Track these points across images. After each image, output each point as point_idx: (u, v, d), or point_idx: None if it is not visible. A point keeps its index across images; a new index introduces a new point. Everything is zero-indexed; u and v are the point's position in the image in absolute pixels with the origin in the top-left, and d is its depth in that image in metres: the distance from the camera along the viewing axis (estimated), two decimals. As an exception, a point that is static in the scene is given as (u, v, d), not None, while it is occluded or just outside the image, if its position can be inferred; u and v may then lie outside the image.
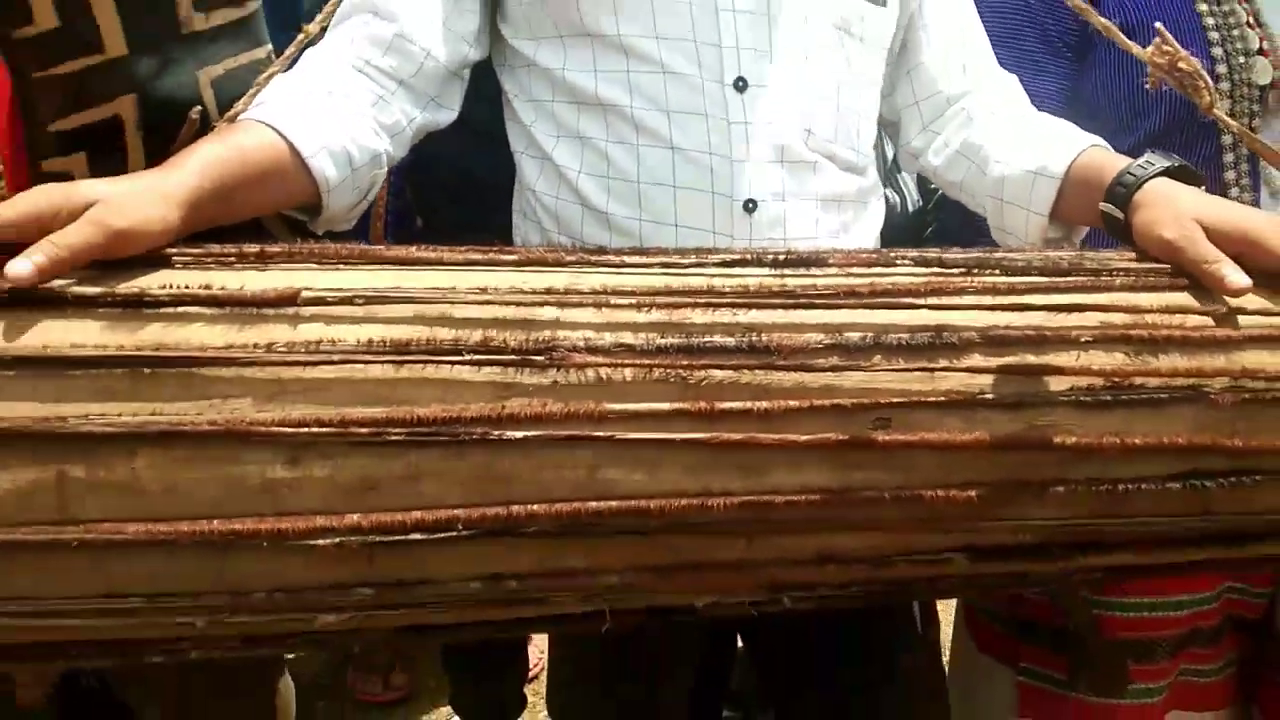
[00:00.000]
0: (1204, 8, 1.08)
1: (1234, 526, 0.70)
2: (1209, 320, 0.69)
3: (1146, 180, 0.80)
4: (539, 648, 2.05)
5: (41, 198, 0.63)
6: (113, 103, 0.82)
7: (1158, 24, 0.88)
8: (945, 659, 1.50)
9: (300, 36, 0.79)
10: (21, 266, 0.59)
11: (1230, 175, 1.06)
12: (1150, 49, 0.86)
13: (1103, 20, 0.89)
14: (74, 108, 0.80)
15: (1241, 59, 1.05)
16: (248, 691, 1.09)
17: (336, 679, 2.04)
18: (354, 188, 0.81)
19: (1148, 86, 0.88)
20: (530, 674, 2.03)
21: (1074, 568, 0.71)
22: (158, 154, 0.81)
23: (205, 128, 0.83)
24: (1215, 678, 1.21)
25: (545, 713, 1.97)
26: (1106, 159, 0.85)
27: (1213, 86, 0.86)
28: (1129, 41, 0.88)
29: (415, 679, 2.08)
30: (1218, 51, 1.06)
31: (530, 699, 1.98)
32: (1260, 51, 1.07)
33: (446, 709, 1.97)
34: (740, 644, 1.64)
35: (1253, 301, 0.71)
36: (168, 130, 0.83)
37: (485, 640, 1.82)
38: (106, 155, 0.82)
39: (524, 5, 0.90)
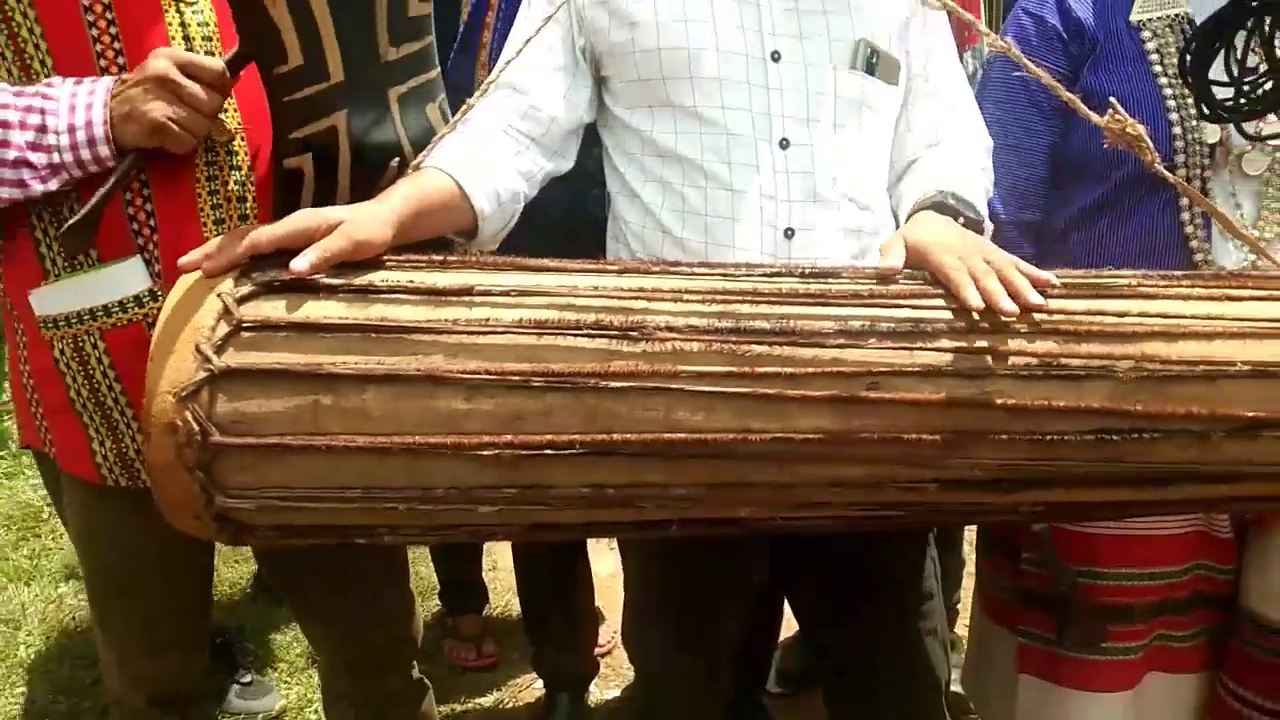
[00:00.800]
0: (1164, 80, 1.31)
1: (1139, 472, 0.95)
2: (1122, 320, 0.95)
3: (912, 213, 1.11)
4: (611, 627, 2.31)
5: (307, 219, 0.94)
6: (332, 116, 1.09)
7: (1111, 98, 1.12)
8: (965, 630, 1.74)
9: (463, 107, 1.10)
10: (300, 263, 0.90)
11: (1185, 215, 1.29)
12: (1106, 117, 1.10)
13: (1068, 95, 1.13)
14: (306, 121, 1.08)
15: (1193, 123, 1.28)
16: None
17: (436, 648, 2.32)
18: (501, 218, 1.12)
19: (1105, 145, 1.13)
20: (603, 649, 2.29)
21: (1018, 500, 0.97)
22: (361, 165, 1.11)
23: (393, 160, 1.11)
24: (1188, 644, 1.41)
25: (616, 683, 2.24)
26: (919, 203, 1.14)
27: (1152, 147, 1.09)
28: (1089, 111, 1.13)
29: (503, 649, 2.35)
30: (1174, 116, 1.29)
31: (603, 669, 2.24)
32: None
33: (530, 674, 2.24)
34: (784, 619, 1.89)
35: (1154, 305, 0.96)
36: (368, 140, 1.11)
37: (565, 612, 2.10)
38: (324, 156, 1.10)
39: (623, 82, 1.20)
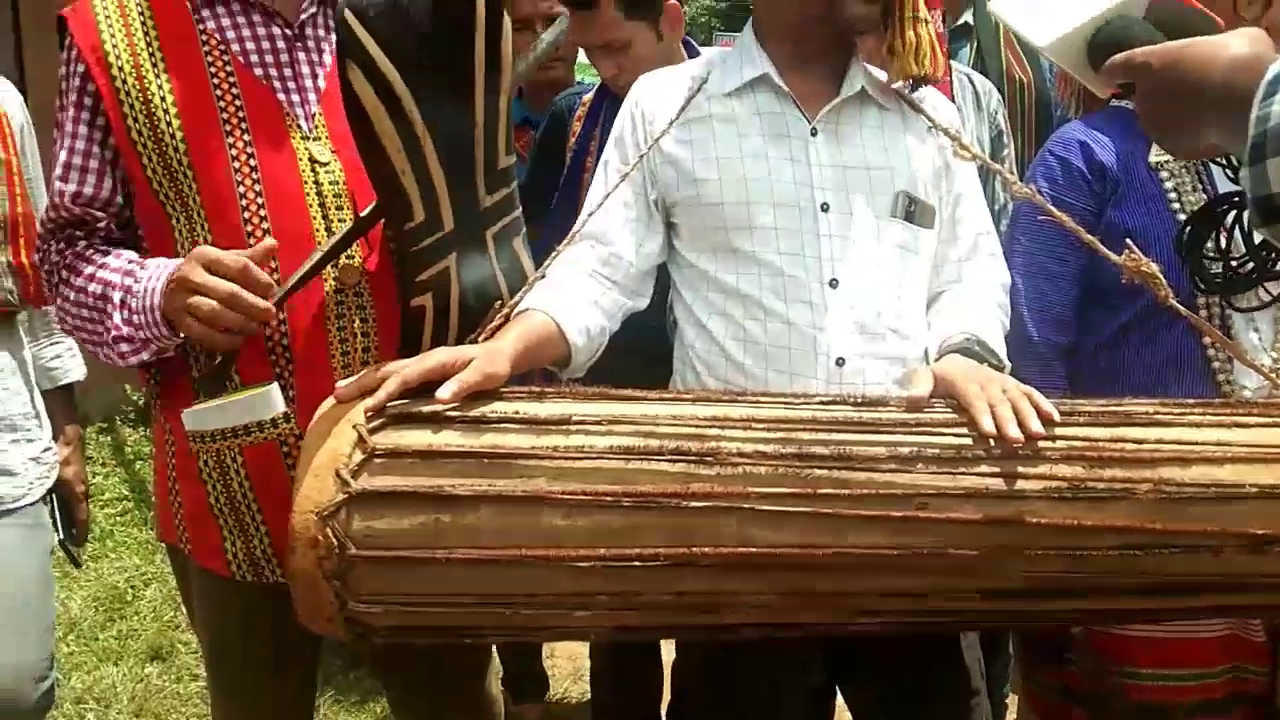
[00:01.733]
0: (1181, 216, 1.44)
1: (1161, 583, 1.06)
2: (1140, 446, 1.07)
3: (940, 355, 1.26)
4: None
5: (444, 356, 1.10)
6: (446, 259, 1.25)
7: (1127, 240, 1.24)
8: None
9: (553, 254, 1.26)
10: (444, 393, 1.06)
11: (1206, 339, 1.41)
12: (1124, 256, 1.23)
13: (1088, 237, 1.26)
14: (427, 266, 1.23)
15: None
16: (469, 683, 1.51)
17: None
18: (589, 350, 1.29)
19: (1123, 282, 1.25)
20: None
21: (1052, 608, 1.08)
22: (467, 297, 1.25)
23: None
24: (1228, 743, 1.49)
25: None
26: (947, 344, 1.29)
27: (1164, 284, 1.21)
28: (1107, 251, 1.25)
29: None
30: None
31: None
32: None
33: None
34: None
35: (1170, 432, 1.08)
36: (472, 276, 1.26)
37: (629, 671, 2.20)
38: (441, 293, 1.25)
39: (691, 230, 1.36)
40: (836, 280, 1.30)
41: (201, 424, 1.25)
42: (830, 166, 1.32)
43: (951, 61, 1.90)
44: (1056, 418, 1.09)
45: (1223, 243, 1.05)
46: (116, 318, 1.24)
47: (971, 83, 1.85)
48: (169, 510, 1.38)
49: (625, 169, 1.35)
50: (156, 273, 1.23)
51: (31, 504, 1.76)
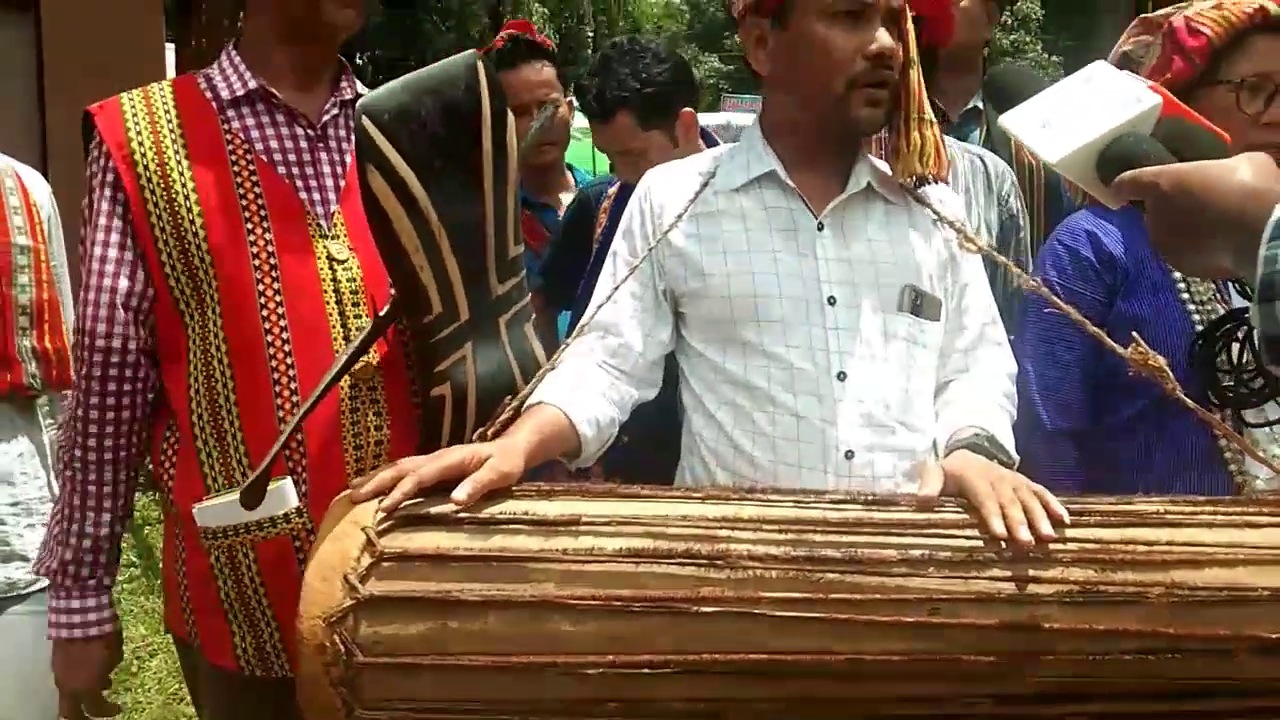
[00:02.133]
0: (1191, 306, 1.45)
1: (1175, 687, 1.05)
2: (1152, 549, 1.06)
3: (949, 451, 1.26)
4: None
5: (459, 455, 1.11)
6: (463, 348, 1.28)
7: (1134, 333, 1.24)
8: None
9: (562, 345, 1.28)
10: (460, 494, 1.06)
11: (1218, 430, 1.41)
12: (1131, 349, 1.24)
13: (1094, 329, 1.27)
14: (445, 356, 1.26)
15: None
16: None
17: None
18: (599, 441, 1.29)
19: (1130, 375, 1.25)
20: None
21: (1067, 712, 1.07)
22: (482, 384, 1.27)
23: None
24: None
25: None
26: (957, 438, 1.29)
27: (1172, 378, 1.21)
28: (1114, 344, 1.26)
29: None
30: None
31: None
32: None
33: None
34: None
35: (1181, 534, 1.08)
36: (487, 363, 1.29)
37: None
38: (458, 382, 1.27)
39: (699, 321, 1.37)
40: (844, 373, 1.30)
41: (214, 520, 1.25)
42: (837, 261, 1.33)
43: (962, 144, 1.92)
44: (1067, 519, 1.08)
45: (1234, 356, 1.06)
46: (54, 560, 1.39)
47: (984, 164, 1.86)
48: (178, 603, 1.38)
49: (634, 261, 1.36)
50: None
51: (44, 589, 1.76)
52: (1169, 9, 1.54)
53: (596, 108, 1.96)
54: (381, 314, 1.25)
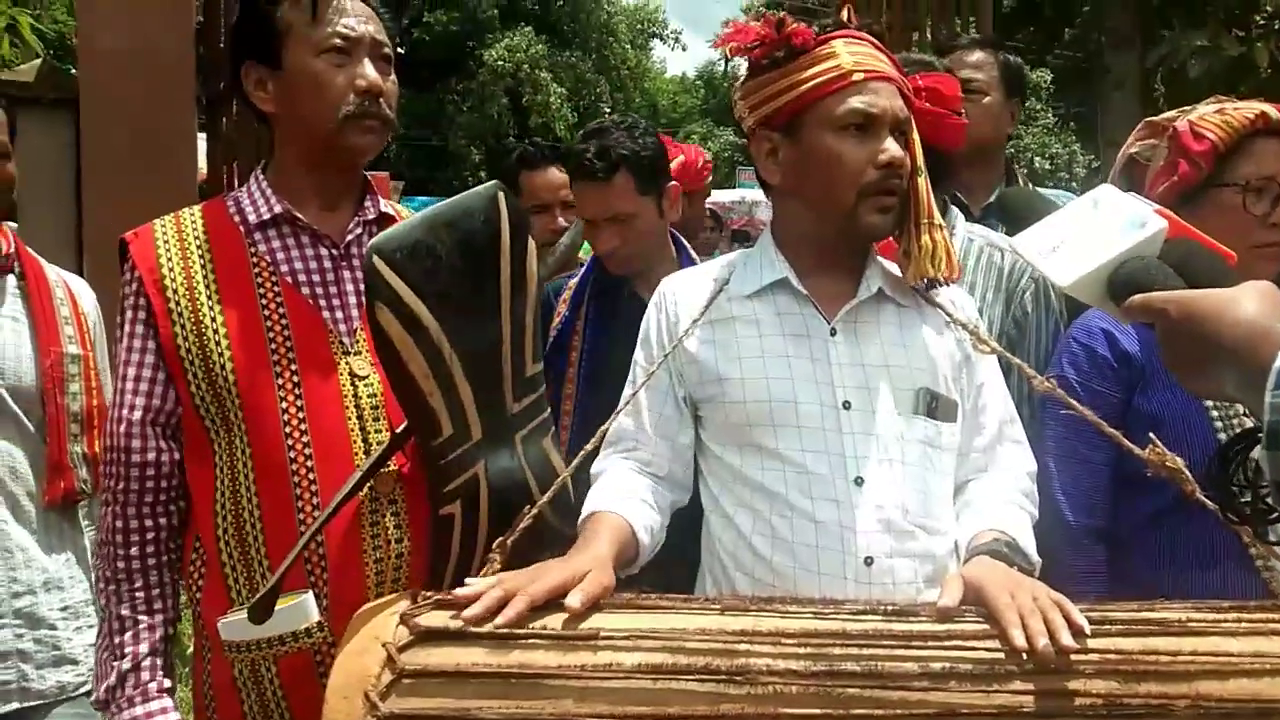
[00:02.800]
0: (1209, 403, 1.46)
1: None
2: (1176, 659, 1.05)
3: (969, 557, 1.25)
4: None
5: (564, 572, 1.12)
6: (474, 467, 1.29)
7: (1150, 434, 1.25)
8: None
9: (599, 458, 1.30)
10: (574, 601, 1.07)
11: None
12: (1148, 450, 1.24)
13: (1111, 430, 1.27)
14: (456, 476, 1.28)
15: None
16: None
17: None
18: (652, 549, 1.33)
19: (1149, 475, 1.25)
20: None
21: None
22: (496, 499, 1.28)
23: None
24: None
25: None
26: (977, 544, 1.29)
27: (1191, 479, 1.21)
28: (1131, 446, 1.26)
29: None
30: (1222, 436, 1.43)
31: None
32: None
33: None
34: None
35: (1205, 643, 1.07)
36: (501, 479, 1.30)
37: None
38: (469, 500, 1.28)
39: (716, 425, 1.39)
40: (862, 478, 1.31)
41: (236, 634, 1.26)
42: (850, 365, 1.35)
43: (985, 234, 1.90)
44: (1088, 629, 1.07)
45: (1249, 474, 1.06)
46: (105, 685, 1.37)
47: (1001, 259, 1.83)
48: (204, 714, 1.39)
49: (650, 366, 1.39)
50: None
51: (89, 692, 1.77)
52: (1173, 113, 1.58)
53: (598, 165, 1.92)
54: (398, 431, 1.28)
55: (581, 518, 1.29)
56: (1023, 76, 2.35)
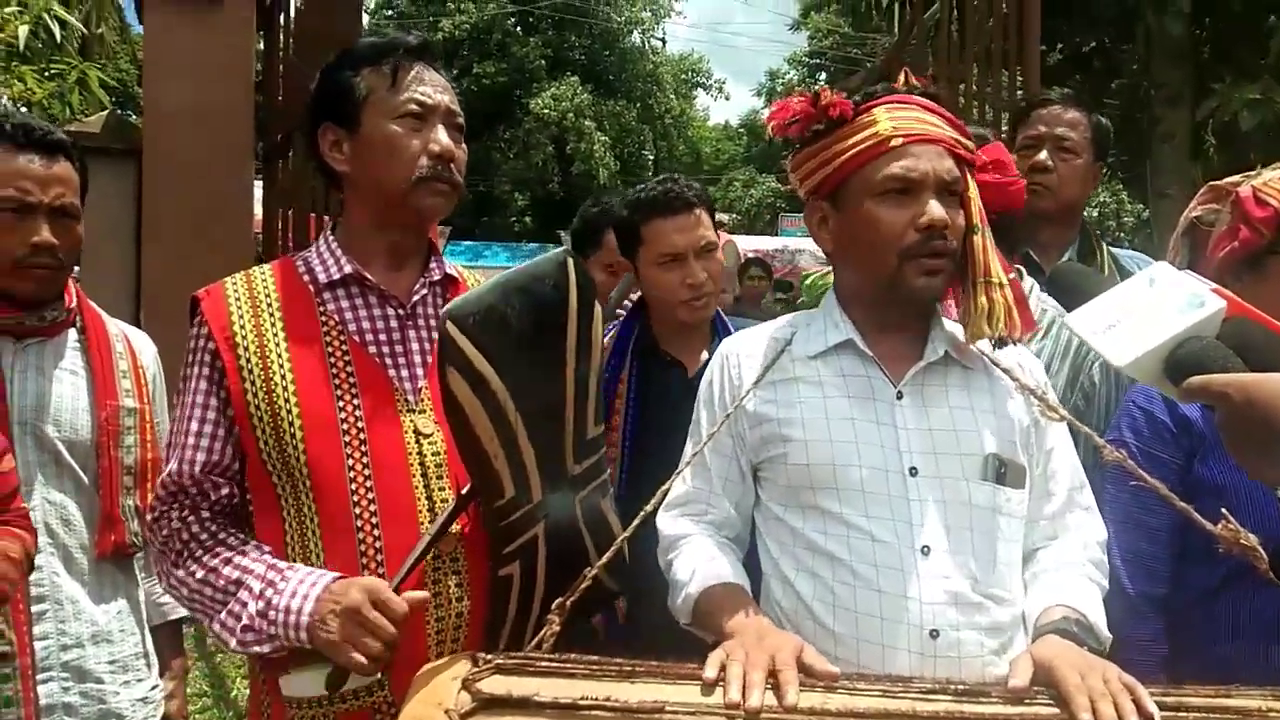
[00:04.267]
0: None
1: None
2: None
3: (1039, 634, 1.22)
4: None
5: (764, 654, 1.11)
6: (534, 527, 1.29)
7: (1223, 509, 1.21)
8: None
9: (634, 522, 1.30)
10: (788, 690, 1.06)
11: None
12: (1220, 526, 1.20)
13: (1182, 505, 1.22)
14: (515, 537, 1.28)
15: None
16: None
17: None
18: None
19: (1221, 551, 1.21)
20: None
21: None
22: (554, 560, 1.28)
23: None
24: None
25: None
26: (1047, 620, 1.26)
27: (1264, 556, 1.17)
28: (1204, 521, 1.22)
29: None
30: None
31: None
32: None
33: None
34: None
35: None
36: (559, 541, 1.30)
37: None
38: (528, 561, 1.29)
39: (778, 486, 1.38)
40: (928, 547, 1.29)
41: (299, 691, 1.27)
42: (917, 430, 1.33)
43: (1057, 306, 1.87)
44: (1158, 717, 1.04)
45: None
46: (251, 607, 1.29)
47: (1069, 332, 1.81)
48: None
49: (713, 429, 1.38)
50: (306, 584, 1.28)
51: None
52: (1238, 177, 1.56)
53: (679, 201, 1.92)
54: (463, 492, 1.28)
55: (703, 586, 1.33)
56: (1109, 139, 2.34)
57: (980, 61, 4.46)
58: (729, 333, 1.99)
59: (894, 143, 1.33)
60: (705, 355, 1.96)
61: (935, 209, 1.32)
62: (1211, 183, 1.61)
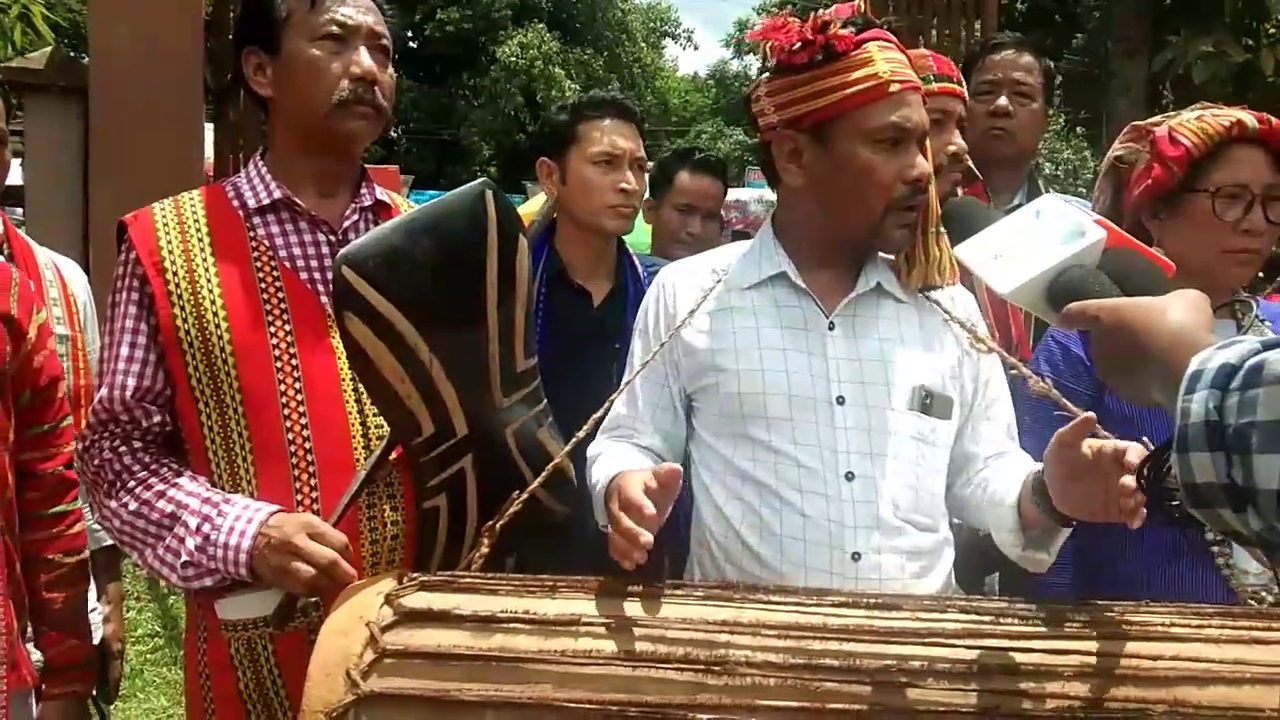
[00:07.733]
0: None
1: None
2: (1156, 664, 1.05)
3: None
4: None
5: (637, 485, 1.15)
6: (460, 461, 1.30)
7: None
8: None
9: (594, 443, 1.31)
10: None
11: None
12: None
13: (1072, 407, 1.25)
14: (439, 471, 1.29)
15: None
16: None
17: None
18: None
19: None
20: None
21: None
22: (486, 490, 1.29)
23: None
24: None
25: None
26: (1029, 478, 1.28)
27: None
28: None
29: None
30: None
31: None
32: None
33: None
34: None
35: (1186, 649, 1.07)
36: (491, 471, 1.31)
37: None
38: (455, 495, 1.30)
39: (709, 415, 1.39)
40: (852, 473, 1.31)
41: (234, 613, 1.28)
42: (847, 360, 1.35)
43: None
44: None
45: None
46: (189, 543, 1.28)
47: None
48: (199, 699, 1.40)
49: (647, 358, 1.39)
50: (244, 517, 1.27)
51: None
52: (1158, 118, 1.58)
53: (626, 111, 2.03)
54: (384, 443, 1.30)
55: (601, 483, 1.30)
56: (1054, 84, 2.37)
57: (940, 12, 4.47)
58: (634, 267, 2.01)
59: (893, 88, 1.30)
60: (609, 285, 2.01)
61: (923, 163, 1.33)
62: (1134, 123, 1.63)
